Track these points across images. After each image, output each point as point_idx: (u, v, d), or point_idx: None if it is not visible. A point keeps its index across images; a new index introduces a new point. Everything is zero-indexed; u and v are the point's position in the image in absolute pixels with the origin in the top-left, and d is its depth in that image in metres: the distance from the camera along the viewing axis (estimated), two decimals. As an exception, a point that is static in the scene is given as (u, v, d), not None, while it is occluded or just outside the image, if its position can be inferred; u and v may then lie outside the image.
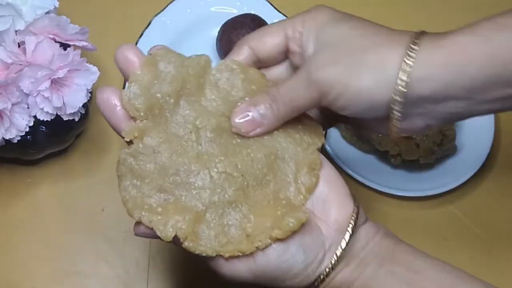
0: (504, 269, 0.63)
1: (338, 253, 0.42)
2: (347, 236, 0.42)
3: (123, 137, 0.43)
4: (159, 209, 0.41)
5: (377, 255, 0.43)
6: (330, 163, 0.45)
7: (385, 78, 0.39)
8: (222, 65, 0.44)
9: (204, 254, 0.41)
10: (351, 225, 0.43)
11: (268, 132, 0.44)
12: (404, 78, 0.38)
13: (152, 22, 0.69)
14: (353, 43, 0.40)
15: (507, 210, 0.66)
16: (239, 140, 0.43)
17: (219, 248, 0.41)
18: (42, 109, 0.57)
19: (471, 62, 0.38)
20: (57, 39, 0.58)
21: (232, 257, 0.41)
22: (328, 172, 0.44)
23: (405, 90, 0.38)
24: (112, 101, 0.43)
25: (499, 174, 0.67)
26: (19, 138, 0.57)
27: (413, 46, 0.39)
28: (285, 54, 0.45)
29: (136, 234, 0.42)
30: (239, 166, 0.43)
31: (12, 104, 0.56)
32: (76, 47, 0.59)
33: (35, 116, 0.57)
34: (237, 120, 0.43)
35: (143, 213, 0.41)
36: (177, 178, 0.42)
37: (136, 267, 0.61)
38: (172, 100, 0.43)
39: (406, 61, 0.38)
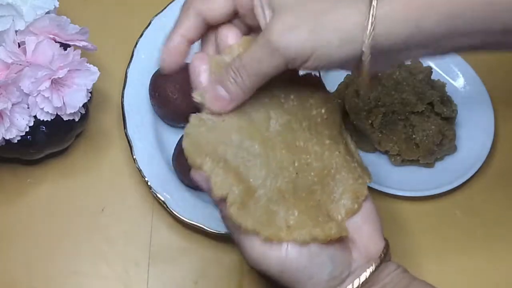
0: (504, 269, 0.63)
1: (362, 278, 0.43)
2: (374, 266, 0.44)
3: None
4: (221, 164, 0.42)
5: (395, 286, 0.45)
6: (372, 200, 0.47)
7: (350, 38, 0.39)
8: (309, 74, 0.46)
9: (243, 226, 0.41)
10: (381, 256, 0.45)
11: (326, 148, 0.45)
12: (368, 37, 0.39)
13: (152, 22, 0.69)
14: (312, 5, 0.40)
15: (507, 210, 0.66)
16: (302, 144, 0.45)
17: (260, 227, 0.41)
18: (42, 109, 0.57)
19: (428, 17, 0.38)
20: (57, 39, 0.58)
21: (266, 241, 0.41)
22: (369, 205, 0.47)
23: (370, 48, 0.39)
24: (202, 66, 0.45)
25: (499, 174, 0.67)
26: (19, 138, 0.57)
27: (373, 3, 0.39)
28: (234, 15, 0.45)
29: (191, 177, 0.43)
30: (296, 164, 0.44)
31: (12, 104, 0.56)
32: (76, 47, 0.59)
33: (35, 116, 0.58)
34: (208, 102, 0.43)
35: (207, 159, 0.42)
36: (239, 151, 0.43)
37: (136, 267, 0.61)
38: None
39: (368, 20, 0.38)
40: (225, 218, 0.43)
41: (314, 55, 0.40)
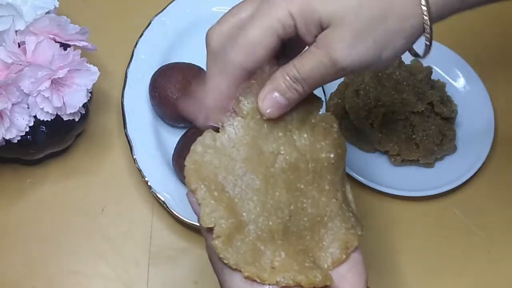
0: (504, 269, 0.63)
1: None
2: None
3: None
4: (215, 193, 0.42)
5: None
6: (361, 252, 0.46)
7: (412, 34, 0.40)
8: (325, 116, 0.46)
9: (225, 261, 0.41)
10: None
11: (325, 194, 0.45)
12: (427, 18, 0.40)
13: (152, 22, 0.69)
14: (365, 13, 0.39)
15: (507, 210, 0.66)
16: (302, 186, 0.45)
17: (242, 264, 0.41)
18: (42, 109, 0.57)
19: None
20: (57, 39, 0.58)
21: (248, 279, 0.41)
22: (357, 256, 0.45)
23: (430, 31, 0.41)
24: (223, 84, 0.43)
25: (499, 174, 0.68)
26: (19, 138, 0.57)
27: None
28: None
29: (187, 195, 0.43)
30: (291, 207, 0.44)
31: (12, 104, 0.56)
32: (76, 47, 0.59)
33: (35, 116, 0.57)
34: (262, 105, 0.42)
35: (202, 186, 0.41)
36: (239, 181, 0.43)
37: (136, 267, 0.61)
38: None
39: (424, 8, 0.39)
40: (209, 248, 0.42)
41: (377, 63, 0.41)
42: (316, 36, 0.41)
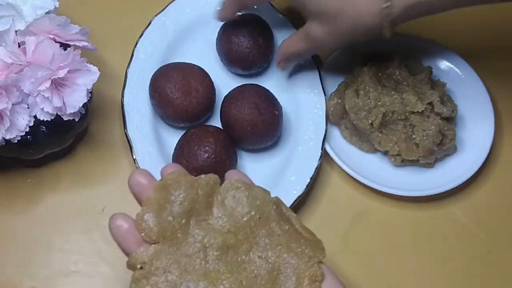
0: (504, 269, 0.63)
1: None
2: None
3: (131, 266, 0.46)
4: None
5: None
6: (332, 274, 0.47)
7: (376, 29, 0.58)
8: (228, 184, 0.47)
9: None
10: None
11: (272, 248, 0.46)
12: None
13: (152, 22, 0.69)
14: (339, 22, 0.58)
15: (507, 210, 0.66)
16: (244, 257, 0.46)
17: None
18: (42, 109, 0.57)
19: None
20: (57, 39, 0.58)
21: None
22: (330, 283, 0.46)
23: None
24: (124, 227, 0.45)
25: (499, 174, 0.68)
26: (19, 138, 0.57)
27: None
28: None
29: None
30: (244, 283, 0.45)
31: (12, 104, 0.56)
32: (76, 47, 0.59)
33: (35, 116, 0.57)
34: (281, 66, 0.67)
35: None
36: None
37: (136, 267, 0.61)
38: (183, 221, 0.46)
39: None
40: None
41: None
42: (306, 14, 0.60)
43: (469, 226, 0.65)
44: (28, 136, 0.59)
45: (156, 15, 0.69)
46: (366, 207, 0.65)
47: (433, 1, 0.55)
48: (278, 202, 0.48)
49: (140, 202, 0.47)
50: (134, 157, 0.62)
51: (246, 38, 0.66)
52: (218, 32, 0.68)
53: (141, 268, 0.45)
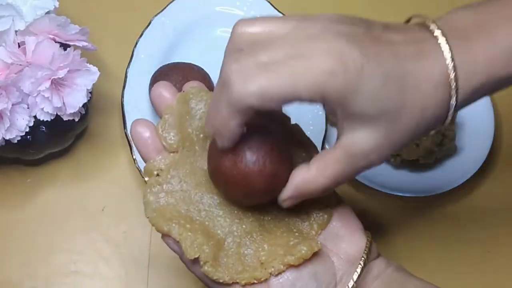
0: (504, 269, 0.63)
1: (350, 285, 0.43)
2: (359, 269, 0.43)
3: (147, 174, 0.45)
4: (188, 226, 0.42)
5: (388, 287, 0.44)
6: (343, 200, 0.46)
7: (440, 120, 0.40)
8: None
9: (221, 281, 0.42)
10: (363, 258, 0.43)
11: None
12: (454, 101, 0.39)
13: (152, 22, 0.69)
14: (399, 122, 0.38)
15: (507, 210, 0.66)
16: None
17: (236, 275, 0.42)
18: (42, 109, 0.57)
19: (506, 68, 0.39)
20: (57, 39, 0.58)
21: (247, 284, 0.42)
22: (341, 208, 0.45)
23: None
24: (145, 133, 0.45)
25: (499, 174, 0.68)
26: (19, 138, 0.57)
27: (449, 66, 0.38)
28: None
29: (162, 239, 0.44)
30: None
31: (12, 104, 0.56)
32: (76, 47, 0.59)
33: (35, 116, 0.57)
34: (284, 205, 0.42)
35: (173, 225, 0.42)
36: (200, 206, 0.44)
37: (136, 267, 0.61)
38: (201, 136, 0.45)
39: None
40: (201, 277, 0.43)
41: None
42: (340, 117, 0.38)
43: (469, 226, 0.65)
44: (28, 136, 0.59)
45: (156, 15, 0.69)
46: (366, 207, 0.65)
47: (503, 77, 0.40)
48: (297, 129, 0.47)
49: (160, 113, 0.46)
50: (134, 157, 0.62)
51: None
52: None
53: (157, 175, 0.44)
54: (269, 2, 0.70)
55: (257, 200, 0.43)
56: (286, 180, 0.41)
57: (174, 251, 0.44)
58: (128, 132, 0.63)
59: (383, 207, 0.65)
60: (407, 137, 0.39)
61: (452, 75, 0.38)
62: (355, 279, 0.43)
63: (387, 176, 0.66)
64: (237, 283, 0.42)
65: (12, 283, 0.60)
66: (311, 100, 0.36)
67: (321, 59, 0.35)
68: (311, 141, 0.47)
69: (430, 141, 0.64)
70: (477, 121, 0.68)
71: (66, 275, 0.61)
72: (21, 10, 0.58)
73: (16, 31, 0.57)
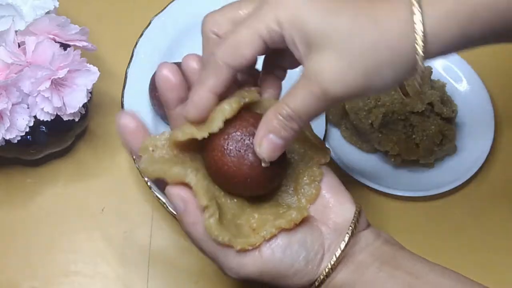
0: (504, 270, 0.63)
1: (337, 254, 0.43)
2: (346, 238, 0.44)
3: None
4: (199, 175, 0.42)
5: (377, 259, 0.44)
6: (333, 174, 0.47)
7: (405, 62, 0.39)
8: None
9: (219, 239, 0.42)
10: (350, 228, 0.44)
11: None
12: (421, 55, 0.38)
13: (152, 22, 0.69)
14: (357, 41, 0.38)
15: (507, 210, 0.66)
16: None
17: (233, 239, 0.42)
18: (42, 109, 0.57)
19: (472, 23, 0.38)
20: (57, 39, 0.58)
21: (241, 251, 0.42)
22: (329, 179, 0.46)
23: (424, 62, 0.39)
24: (130, 124, 0.45)
25: (499, 174, 0.67)
26: (19, 138, 0.57)
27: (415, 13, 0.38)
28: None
29: (167, 190, 0.43)
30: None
31: (12, 104, 0.56)
32: (76, 47, 0.59)
33: (35, 116, 0.58)
34: (261, 150, 0.41)
35: (189, 169, 0.42)
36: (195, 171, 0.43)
37: (136, 267, 0.61)
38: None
39: (418, 47, 0.38)
40: (198, 238, 0.43)
41: (369, 91, 0.40)
42: (302, 52, 0.40)
43: (469, 226, 0.65)
44: (28, 136, 0.59)
45: (156, 15, 0.69)
46: (366, 207, 0.65)
47: (477, 6, 0.38)
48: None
49: (166, 96, 0.45)
50: (134, 157, 0.62)
51: None
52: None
53: (152, 151, 0.43)
54: None
55: (256, 192, 0.44)
56: (283, 174, 0.44)
57: (175, 206, 0.43)
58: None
59: (383, 207, 0.65)
60: (369, 62, 0.38)
61: (419, 16, 0.38)
62: (342, 248, 0.43)
63: (387, 176, 0.66)
64: (231, 247, 0.42)
65: (12, 283, 0.60)
66: (272, 37, 0.40)
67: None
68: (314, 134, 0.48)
69: (430, 141, 0.64)
70: (477, 121, 0.68)
71: (66, 275, 0.61)
72: (21, 10, 0.58)
73: (16, 31, 0.57)
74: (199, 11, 0.70)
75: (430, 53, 0.39)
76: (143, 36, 0.68)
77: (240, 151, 0.42)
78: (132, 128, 0.44)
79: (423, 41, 0.38)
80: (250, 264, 0.42)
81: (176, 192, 0.42)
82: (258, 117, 0.43)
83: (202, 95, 0.42)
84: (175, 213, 0.60)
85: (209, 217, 0.41)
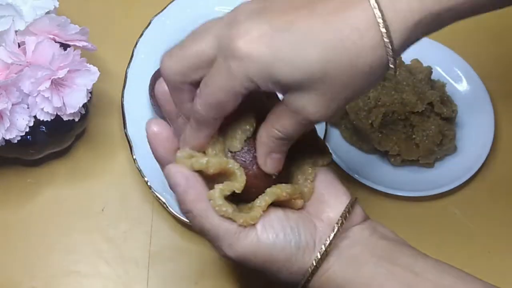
0: (504, 269, 0.63)
1: (327, 243, 0.44)
2: (335, 229, 0.44)
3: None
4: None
5: (374, 255, 0.44)
6: (331, 172, 0.47)
7: (379, 77, 0.40)
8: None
9: (224, 210, 0.42)
10: (340, 219, 0.44)
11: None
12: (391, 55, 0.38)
13: (152, 22, 0.69)
14: (333, 80, 0.39)
15: (507, 210, 0.66)
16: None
17: (236, 213, 0.43)
18: (42, 109, 0.57)
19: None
20: (57, 39, 0.58)
21: (242, 225, 0.43)
22: (324, 174, 0.47)
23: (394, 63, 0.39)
24: (161, 134, 0.46)
25: (499, 174, 0.67)
26: (19, 138, 0.57)
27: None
28: None
29: (169, 169, 0.43)
30: None
31: (12, 104, 0.56)
32: (76, 47, 0.59)
33: (35, 116, 0.57)
34: (267, 168, 0.44)
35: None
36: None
37: (136, 267, 0.61)
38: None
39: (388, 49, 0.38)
40: (199, 214, 0.43)
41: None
42: (281, 92, 0.41)
43: (469, 226, 0.65)
44: (28, 136, 0.59)
45: (156, 15, 0.69)
46: (366, 207, 0.65)
47: (442, 14, 0.39)
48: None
49: (164, 111, 0.47)
50: (134, 157, 0.62)
51: None
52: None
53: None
54: None
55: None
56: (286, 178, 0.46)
57: (175, 185, 0.43)
58: (128, 132, 0.63)
59: (383, 207, 0.65)
60: (346, 92, 0.39)
61: (379, 19, 0.37)
62: (331, 238, 0.44)
63: (387, 176, 0.66)
64: (234, 221, 0.43)
65: (12, 283, 0.60)
66: (248, 88, 0.39)
67: (238, 46, 0.38)
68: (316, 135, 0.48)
69: (430, 141, 0.64)
70: (477, 121, 0.68)
71: (66, 275, 0.61)
72: (21, 10, 0.58)
73: (16, 31, 0.57)
74: (199, 11, 0.71)
75: (398, 46, 0.39)
76: (143, 36, 0.68)
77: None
78: (164, 137, 0.45)
79: (390, 42, 0.38)
80: (247, 242, 0.43)
81: (178, 169, 0.42)
82: None
83: (203, 141, 0.43)
84: (175, 213, 0.60)
85: (215, 188, 0.42)
